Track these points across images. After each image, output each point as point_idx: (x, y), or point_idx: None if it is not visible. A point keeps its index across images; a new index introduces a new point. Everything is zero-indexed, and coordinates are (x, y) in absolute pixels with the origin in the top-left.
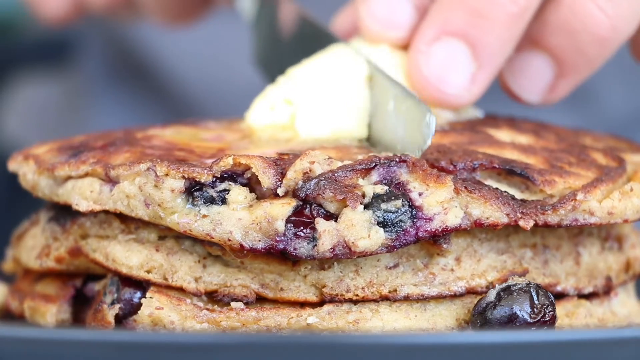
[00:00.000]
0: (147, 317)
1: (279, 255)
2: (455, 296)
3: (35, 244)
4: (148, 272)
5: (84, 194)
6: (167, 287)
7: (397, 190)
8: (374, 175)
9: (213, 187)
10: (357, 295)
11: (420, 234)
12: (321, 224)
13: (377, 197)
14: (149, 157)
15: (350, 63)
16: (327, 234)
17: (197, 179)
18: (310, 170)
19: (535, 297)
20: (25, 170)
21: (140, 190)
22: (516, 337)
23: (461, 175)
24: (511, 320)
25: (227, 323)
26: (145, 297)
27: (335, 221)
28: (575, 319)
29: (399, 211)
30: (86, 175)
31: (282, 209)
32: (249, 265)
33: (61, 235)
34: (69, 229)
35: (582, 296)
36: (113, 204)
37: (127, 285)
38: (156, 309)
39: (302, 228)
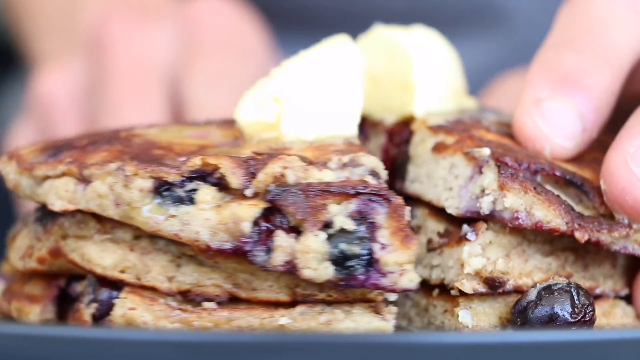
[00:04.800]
0: (120, 318)
1: (245, 256)
2: (499, 294)
3: (22, 245)
4: (122, 272)
5: (59, 193)
6: (141, 287)
7: (367, 230)
8: (353, 204)
9: (181, 187)
10: (330, 296)
11: (367, 284)
12: (280, 237)
13: (342, 232)
14: (124, 156)
15: (345, 58)
16: (282, 250)
17: (165, 179)
18: (282, 175)
19: (576, 297)
20: (8, 170)
21: (111, 190)
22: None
23: (524, 174)
24: (552, 320)
25: (199, 323)
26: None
27: (297, 235)
28: (612, 319)
29: (356, 259)
30: (63, 174)
31: (249, 210)
32: (223, 264)
33: (43, 236)
34: (50, 229)
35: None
36: (86, 204)
37: (104, 286)
38: (129, 309)
39: (263, 235)
